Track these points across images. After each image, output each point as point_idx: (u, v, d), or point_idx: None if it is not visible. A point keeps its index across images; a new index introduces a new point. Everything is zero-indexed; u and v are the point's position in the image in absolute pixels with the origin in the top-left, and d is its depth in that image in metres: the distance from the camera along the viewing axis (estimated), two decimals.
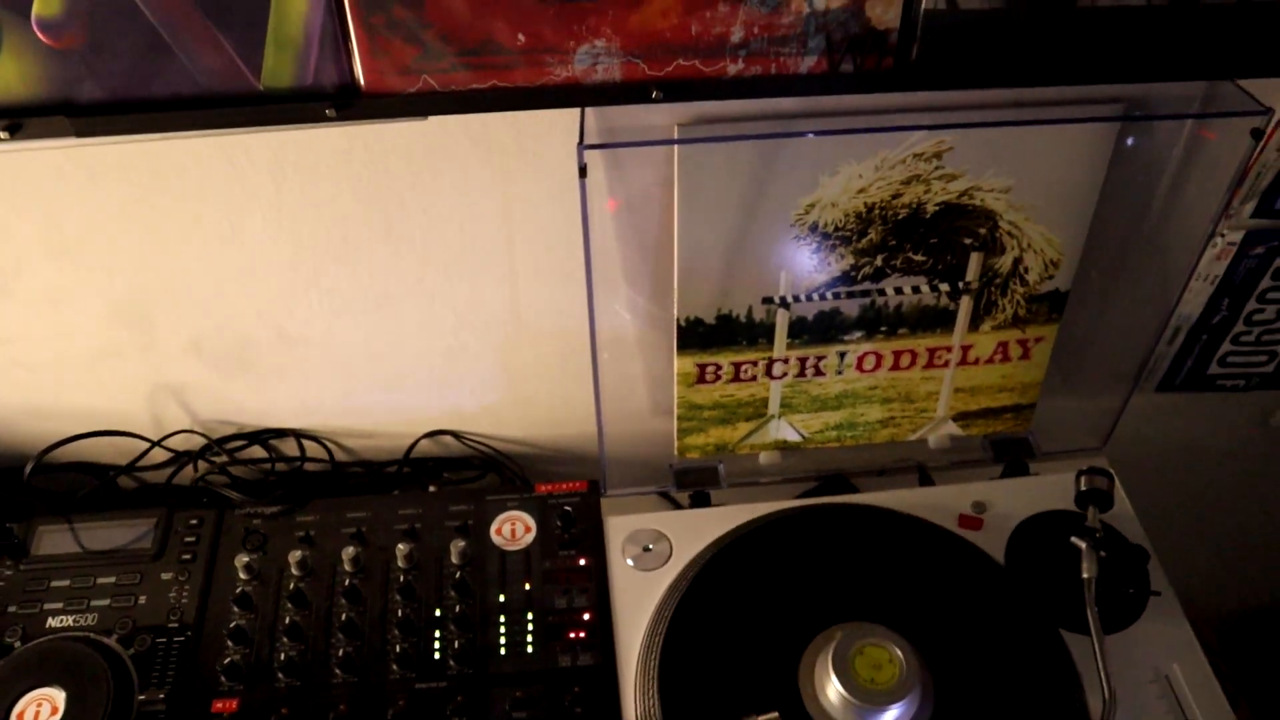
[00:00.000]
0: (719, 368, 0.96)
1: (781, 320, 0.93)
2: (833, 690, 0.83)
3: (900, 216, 0.87)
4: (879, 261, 0.90)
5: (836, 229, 0.87)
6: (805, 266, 0.89)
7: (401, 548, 0.94)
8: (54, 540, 0.95)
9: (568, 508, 0.97)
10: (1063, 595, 0.92)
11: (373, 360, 1.00)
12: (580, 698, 0.86)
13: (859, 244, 0.88)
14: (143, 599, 0.92)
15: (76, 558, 0.93)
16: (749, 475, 1.03)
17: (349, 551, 0.93)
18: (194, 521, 0.97)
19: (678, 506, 1.04)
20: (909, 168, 0.83)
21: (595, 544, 0.97)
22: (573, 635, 0.90)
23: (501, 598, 0.93)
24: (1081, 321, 0.99)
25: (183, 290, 0.92)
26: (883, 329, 0.95)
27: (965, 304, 0.94)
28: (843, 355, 0.96)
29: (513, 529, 0.98)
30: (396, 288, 0.93)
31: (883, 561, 0.94)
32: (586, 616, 0.92)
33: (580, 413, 1.07)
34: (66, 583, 0.92)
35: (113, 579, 0.92)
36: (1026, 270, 0.92)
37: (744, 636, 0.89)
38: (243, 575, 0.93)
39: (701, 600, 0.91)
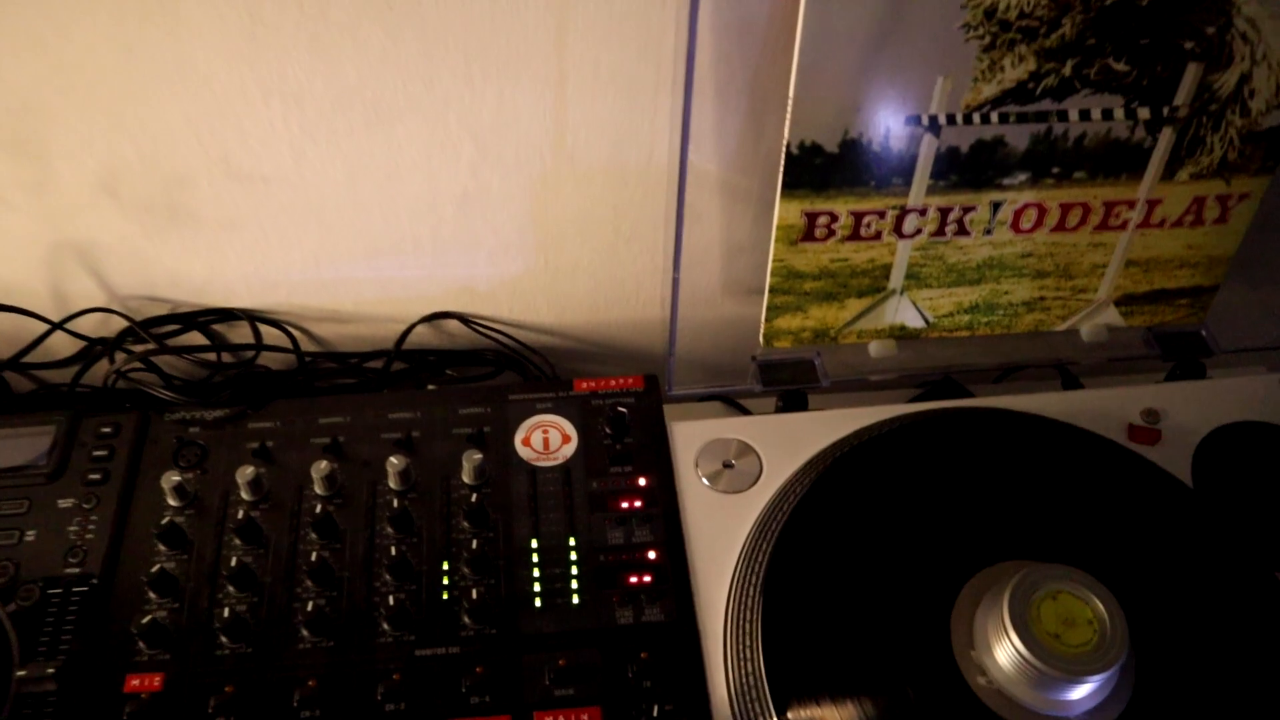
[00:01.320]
0: (834, 218, 0.70)
1: (927, 149, 0.68)
2: (1005, 650, 0.60)
3: (1107, 2, 0.62)
4: (1068, 69, 0.65)
5: (1022, 15, 0.62)
6: (969, 73, 0.64)
7: (394, 462, 0.68)
8: None
9: (620, 409, 0.72)
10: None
11: (356, 209, 0.72)
12: (648, 667, 0.61)
13: (1047, 40, 0.63)
14: (30, 535, 0.65)
15: None
16: (852, 373, 0.78)
17: (321, 468, 0.68)
18: (106, 429, 0.70)
19: (759, 412, 0.79)
20: None
21: (659, 458, 0.72)
22: (634, 580, 0.66)
23: (533, 530, 0.68)
24: None
25: (88, 99, 0.64)
26: (1054, 170, 0.70)
27: (1166, 137, 0.69)
28: (996, 207, 0.72)
29: (545, 438, 0.73)
30: (394, 95, 0.65)
31: (1041, 486, 0.70)
32: (652, 555, 0.67)
33: (631, 289, 0.81)
34: None
35: None
36: (1252, 94, 0.68)
37: (869, 579, 0.66)
38: (172, 501, 0.67)
39: (809, 532, 0.67)
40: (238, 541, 0.66)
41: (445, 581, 0.65)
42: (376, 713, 0.59)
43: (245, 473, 0.67)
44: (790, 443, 0.73)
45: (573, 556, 0.67)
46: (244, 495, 0.68)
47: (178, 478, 0.67)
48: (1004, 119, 0.67)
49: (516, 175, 0.71)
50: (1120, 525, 0.68)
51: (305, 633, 0.62)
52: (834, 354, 0.78)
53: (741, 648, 0.63)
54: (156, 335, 0.77)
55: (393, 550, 0.66)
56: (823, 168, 0.67)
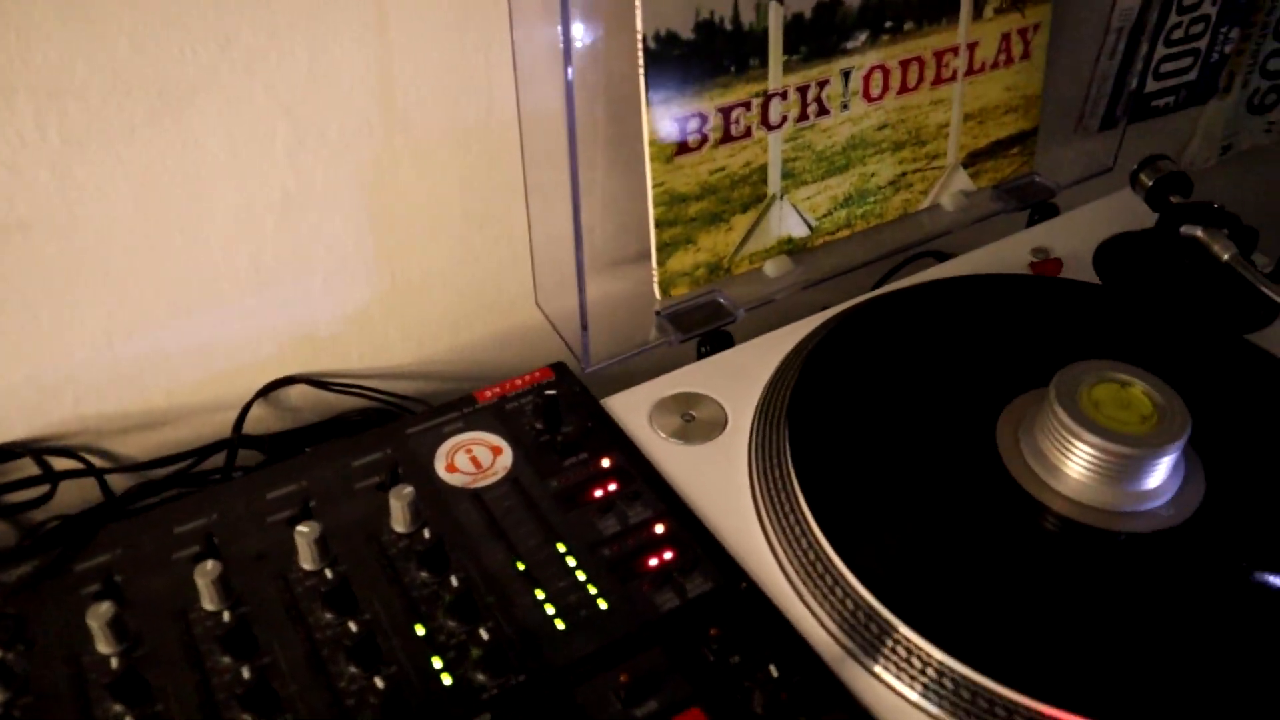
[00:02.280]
0: (704, 120, 0.64)
1: (776, 20, 0.64)
2: (1073, 452, 0.54)
3: None
4: None
5: None
6: None
7: (304, 530, 0.51)
8: None
9: (549, 394, 0.60)
10: (1201, 303, 0.70)
11: (152, 247, 0.55)
12: (727, 641, 0.48)
13: None
14: None
15: None
16: (756, 299, 0.71)
17: (207, 570, 0.49)
18: None
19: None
20: None
21: (611, 436, 0.60)
22: (655, 562, 0.53)
23: (510, 553, 0.53)
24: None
25: None
26: (888, 25, 0.69)
27: None
28: (847, 76, 0.69)
29: (472, 457, 0.58)
30: (182, 67, 0.51)
31: (1023, 328, 0.68)
32: (660, 529, 0.54)
33: (492, 294, 0.69)
34: None
35: None
36: None
37: (899, 434, 0.60)
38: None
39: (819, 408, 0.60)
40: (117, 707, 0.45)
41: (429, 647, 0.48)
42: None
43: (98, 612, 0.47)
44: (740, 375, 0.64)
45: (571, 562, 0.53)
46: (103, 647, 0.47)
47: None
48: None
49: (344, 159, 0.58)
50: (1099, 340, 0.65)
51: None
52: (731, 286, 0.71)
53: (800, 552, 0.52)
54: None
55: (349, 630, 0.48)
56: (682, 60, 0.61)
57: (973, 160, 0.79)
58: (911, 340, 0.67)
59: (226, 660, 0.47)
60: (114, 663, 0.46)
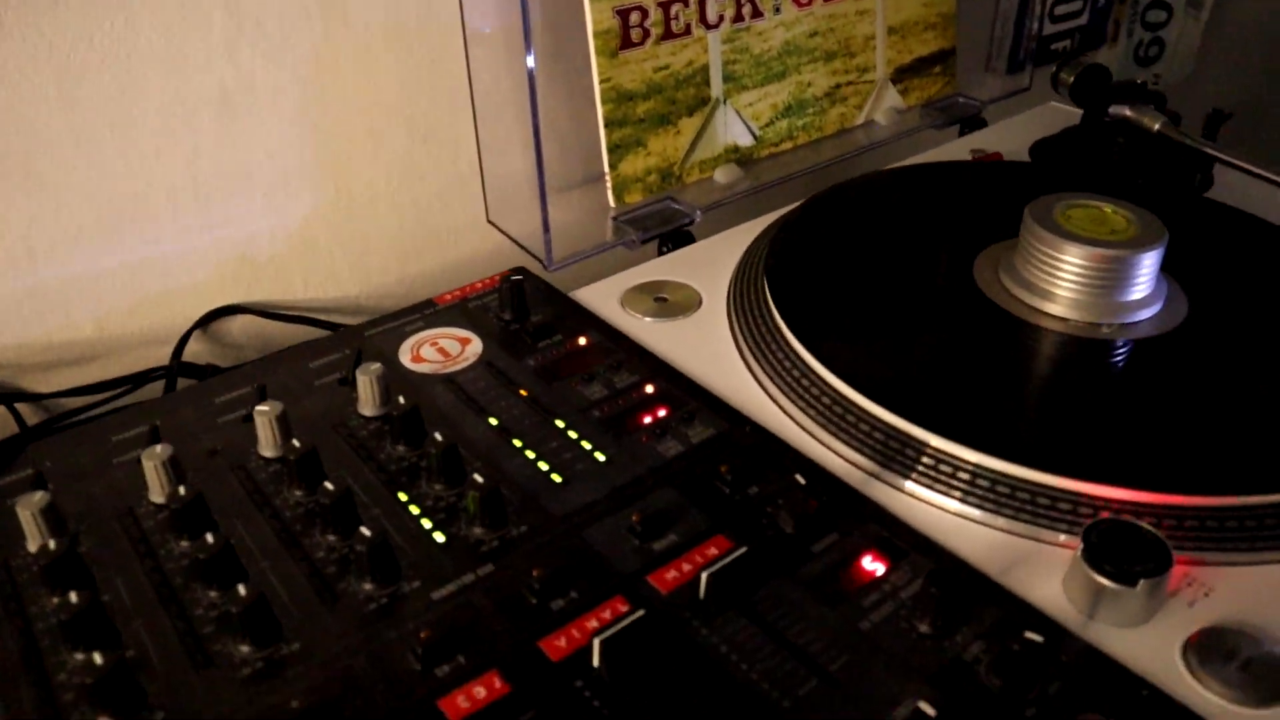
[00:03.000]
0: (645, 14, 0.63)
1: None
2: (1059, 264, 0.53)
3: None
4: None
5: None
6: None
7: (263, 409, 0.46)
8: None
9: (515, 279, 0.56)
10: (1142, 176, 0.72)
11: (80, 150, 0.51)
12: (741, 471, 0.45)
13: None
14: None
15: None
16: (710, 204, 0.69)
17: (154, 455, 0.43)
18: None
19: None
20: None
21: (585, 320, 0.57)
22: (650, 420, 0.49)
23: (497, 425, 0.49)
24: None
25: None
26: None
27: None
28: None
29: (439, 347, 0.54)
30: None
31: (971, 202, 0.68)
32: (650, 389, 0.51)
33: (439, 217, 0.66)
34: None
35: None
36: None
37: (872, 279, 0.59)
38: None
39: (803, 261, 0.59)
40: (54, 598, 0.39)
41: (415, 511, 0.43)
42: (427, 684, 0.36)
43: (30, 501, 0.41)
44: (707, 263, 0.62)
45: (560, 424, 0.49)
46: (34, 543, 0.41)
47: None
48: None
49: (283, 53, 0.55)
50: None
51: (245, 649, 0.37)
52: (683, 194, 0.69)
53: (802, 390, 0.49)
54: None
55: (321, 502, 0.43)
56: None
57: (900, 76, 0.80)
58: (877, 215, 0.66)
59: (183, 544, 0.41)
60: (52, 545, 0.40)
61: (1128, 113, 0.72)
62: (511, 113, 0.61)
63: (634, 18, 0.63)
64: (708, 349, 0.55)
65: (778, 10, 0.70)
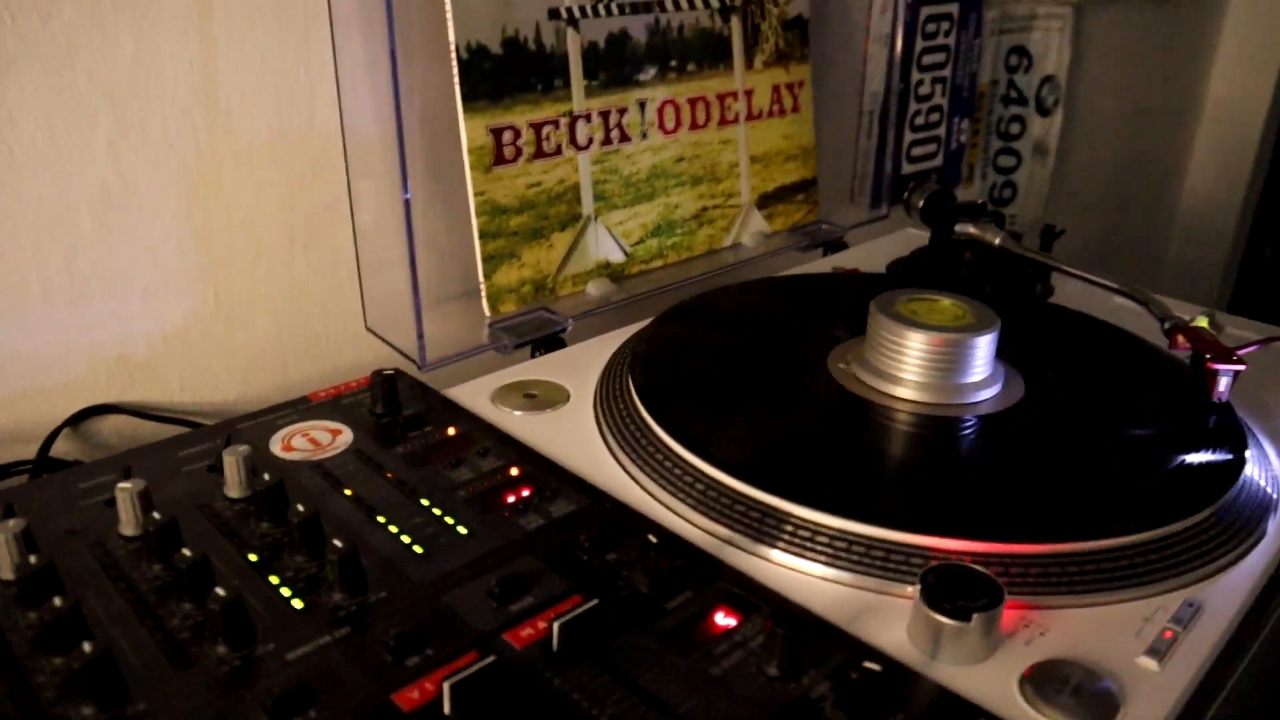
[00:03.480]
0: (517, 134, 0.67)
1: (574, 45, 0.69)
2: (904, 350, 0.57)
3: None
4: None
5: None
6: None
7: (125, 486, 0.45)
8: None
9: (387, 375, 0.58)
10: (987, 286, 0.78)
11: None
12: (598, 541, 0.46)
13: None
14: None
15: None
16: (581, 312, 0.72)
17: (6, 528, 0.42)
18: None
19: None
20: None
21: (455, 414, 0.58)
22: (514, 498, 0.50)
23: (362, 507, 0.49)
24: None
25: None
26: (673, 64, 0.76)
27: (735, 27, 0.80)
28: (643, 106, 0.75)
29: (310, 438, 0.55)
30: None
31: (826, 308, 0.73)
32: (515, 471, 0.52)
33: (320, 325, 0.67)
34: None
35: None
36: None
37: (733, 372, 0.63)
38: None
39: (662, 363, 0.61)
40: None
41: (275, 581, 0.43)
42: None
43: None
44: (576, 366, 0.65)
45: (425, 502, 0.49)
46: None
47: None
48: (622, 10, 0.72)
49: (167, 157, 0.57)
50: None
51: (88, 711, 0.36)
52: (556, 304, 0.72)
53: (664, 470, 0.51)
54: None
55: (178, 570, 0.42)
56: (493, 73, 0.65)
57: (765, 202, 0.86)
58: (740, 319, 0.70)
59: (30, 616, 0.40)
60: None
61: (972, 230, 0.79)
62: (391, 226, 0.64)
63: (507, 136, 0.67)
64: (574, 438, 0.56)
65: (645, 136, 0.76)
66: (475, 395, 0.61)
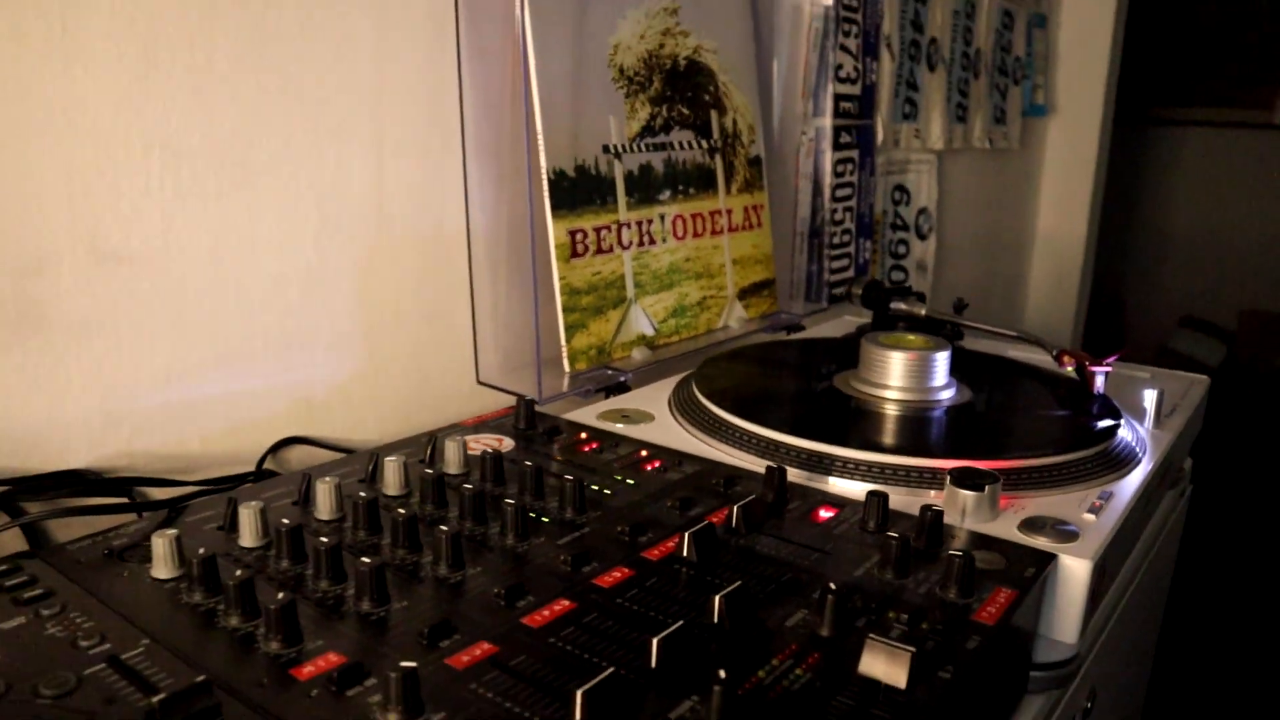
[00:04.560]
0: (584, 234, 0.90)
1: (619, 172, 0.94)
2: (889, 366, 0.82)
3: (667, 67, 0.99)
4: (664, 112, 0.99)
5: (635, 74, 0.95)
6: (622, 113, 0.94)
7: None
8: None
9: (522, 410, 0.78)
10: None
11: (215, 295, 0.69)
12: (721, 477, 0.67)
13: (649, 91, 0.97)
14: None
15: None
16: (633, 370, 0.94)
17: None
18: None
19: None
20: (661, 20, 0.98)
21: (574, 428, 0.78)
22: (650, 467, 0.71)
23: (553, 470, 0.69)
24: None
25: None
26: (681, 188, 1.02)
27: (718, 162, 1.07)
28: (663, 219, 1.00)
29: (484, 444, 0.74)
30: (259, 153, 0.69)
31: (826, 354, 0.97)
32: (644, 453, 0.73)
33: (438, 383, 0.87)
34: None
35: None
36: (739, 132, 1.10)
37: (765, 386, 0.88)
38: None
39: (715, 379, 0.83)
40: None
41: (533, 515, 0.62)
42: None
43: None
44: (642, 401, 0.86)
45: (594, 470, 0.69)
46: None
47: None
48: (648, 148, 0.98)
49: (349, 246, 0.77)
50: None
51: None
52: (614, 363, 0.94)
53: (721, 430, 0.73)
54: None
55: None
56: (569, 189, 0.89)
57: (744, 295, 1.11)
58: (761, 362, 0.95)
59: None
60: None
61: (903, 305, 1.06)
62: (504, 301, 0.86)
63: (579, 236, 0.90)
64: (670, 435, 0.78)
65: (665, 240, 1.00)
66: (582, 418, 0.81)
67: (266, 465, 0.75)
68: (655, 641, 0.45)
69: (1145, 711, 1.19)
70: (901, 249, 1.57)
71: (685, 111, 1.03)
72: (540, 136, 0.86)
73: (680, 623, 0.47)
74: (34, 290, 0.62)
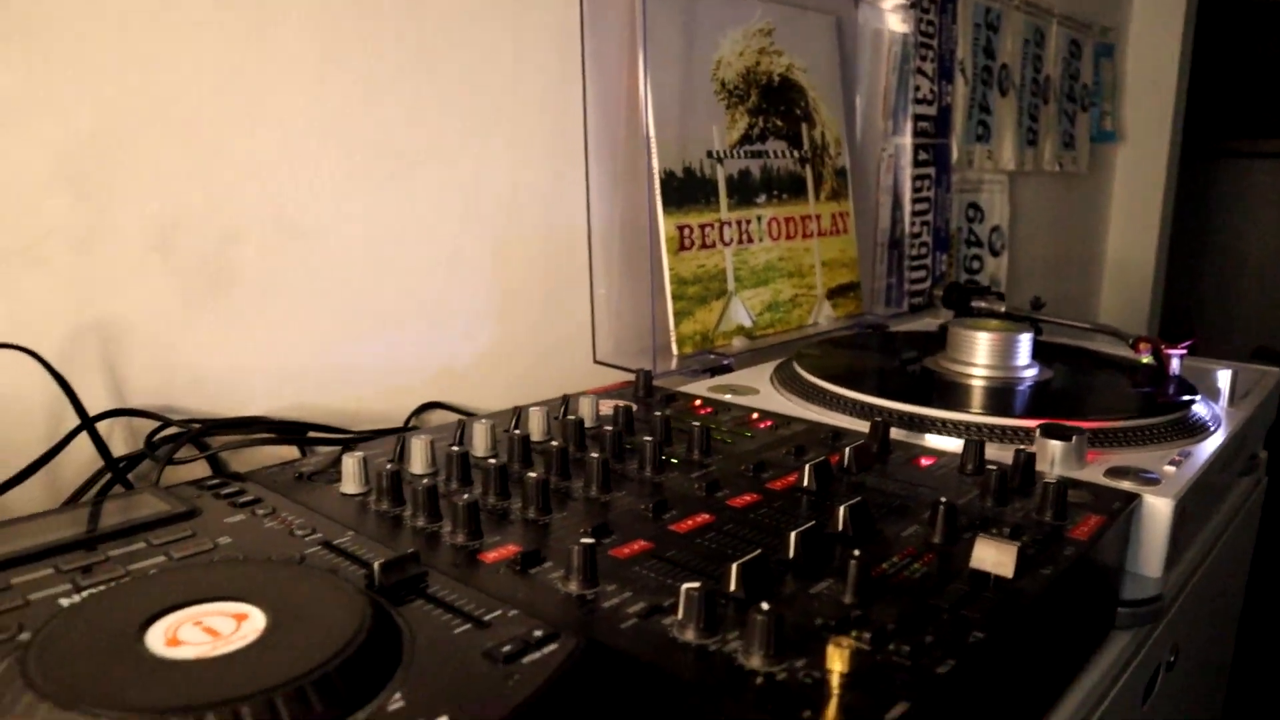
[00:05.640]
0: (690, 230, 0.99)
1: (721, 175, 1.03)
2: (977, 345, 0.89)
3: (763, 82, 1.08)
4: (761, 123, 1.08)
5: (735, 88, 1.04)
6: (724, 122, 1.03)
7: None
8: None
9: (639, 379, 0.86)
10: None
11: (377, 269, 0.79)
12: (829, 434, 0.74)
13: (747, 104, 1.06)
14: None
15: None
16: (734, 355, 1.02)
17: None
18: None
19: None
20: (758, 40, 1.07)
21: (686, 397, 0.86)
22: (763, 425, 0.78)
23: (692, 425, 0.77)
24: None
25: (168, 133, 0.66)
26: (775, 193, 1.10)
27: (808, 171, 1.15)
28: (760, 220, 1.08)
29: (612, 406, 0.82)
30: (419, 146, 0.79)
31: (908, 343, 1.04)
32: (755, 415, 0.80)
33: (555, 366, 0.95)
34: None
35: None
36: (827, 144, 1.18)
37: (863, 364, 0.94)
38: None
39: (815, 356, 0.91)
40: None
41: (665, 457, 0.70)
42: None
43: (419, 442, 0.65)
44: (745, 380, 0.94)
45: (712, 427, 0.77)
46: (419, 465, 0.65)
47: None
48: (747, 155, 1.06)
49: (488, 232, 0.87)
50: None
51: None
52: (716, 348, 1.02)
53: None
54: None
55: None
56: (678, 189, 0.98)
57: (831, 295, 1.19)
58: (853, 349, 1.01)
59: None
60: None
61: (983, 304, 1.12)
62: (617, 290, 0.95)
63: (685, 231, 0.99)
64: (774, 404, 0.85)
65: (761, 240, 1.08)
66: (699, 390, 0.89)
67: (411, 426, 0.84)
68: (794, 535, 0.53)
69: (1226, 707, 1.22)
70: (976, 264, 1.64)
71: (779, 123, 1.11)
72: (653, 140, 0.95)
73: (812, 522, 0.54)
74: (231, 255, 0.72)
